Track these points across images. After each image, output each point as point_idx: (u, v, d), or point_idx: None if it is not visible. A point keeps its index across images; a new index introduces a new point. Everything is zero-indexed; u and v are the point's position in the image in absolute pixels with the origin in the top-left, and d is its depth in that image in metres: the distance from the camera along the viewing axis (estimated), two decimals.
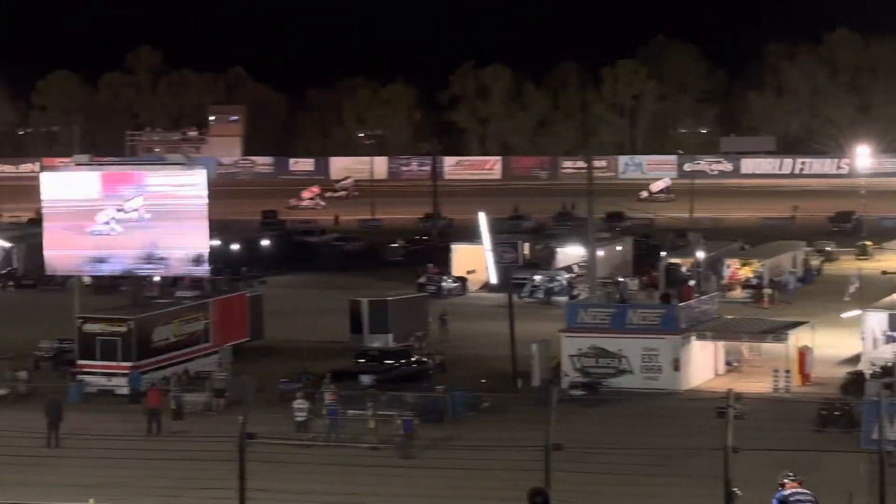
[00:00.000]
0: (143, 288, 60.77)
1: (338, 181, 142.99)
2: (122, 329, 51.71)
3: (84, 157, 62.78)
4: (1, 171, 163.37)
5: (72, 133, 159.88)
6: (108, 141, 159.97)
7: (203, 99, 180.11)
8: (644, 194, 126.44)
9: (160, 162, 67.95)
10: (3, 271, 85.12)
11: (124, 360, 51.15)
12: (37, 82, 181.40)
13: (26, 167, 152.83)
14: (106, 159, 79.59)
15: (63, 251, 57.01)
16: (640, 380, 51.26)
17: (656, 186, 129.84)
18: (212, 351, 55.46)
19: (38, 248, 59.65)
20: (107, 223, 55.53)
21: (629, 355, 51.63)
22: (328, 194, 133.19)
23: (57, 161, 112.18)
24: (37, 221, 72.97)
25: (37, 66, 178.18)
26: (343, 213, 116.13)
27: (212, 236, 57.81)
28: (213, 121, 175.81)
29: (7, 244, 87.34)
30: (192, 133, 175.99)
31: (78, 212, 55.96)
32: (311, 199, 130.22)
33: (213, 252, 58.77)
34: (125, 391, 50.33)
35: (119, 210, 55.44)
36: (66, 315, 56.58)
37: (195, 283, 64.02)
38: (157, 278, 59.89)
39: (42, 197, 57.68)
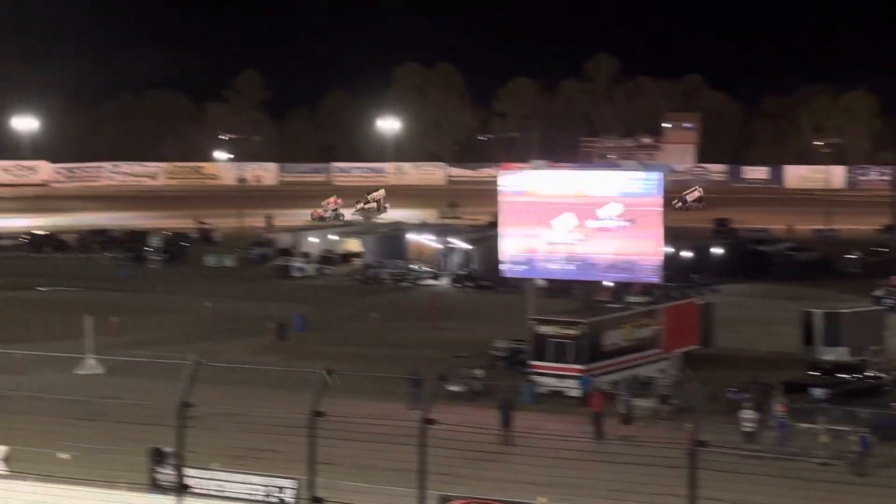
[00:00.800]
0: (594, 292, 61.46)
1: (367, 192, 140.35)
2: (575, 332, 52.43)
3: (542, 163, 64.04)
4: (462, 175, 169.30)
5: (530, 139, 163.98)
6: (564, 147, 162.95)
7: (658, 106, 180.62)
8: (678, 204, 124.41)
9: (616, 168, 68.51)
10: (463, 272, 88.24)
11: (575, 363, 51.79)
12: (498, 90, 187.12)
13: (485, 172, 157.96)
14: (562, 165, 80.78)
15: (518, 254, 58.31)
16: None
17: (691, 196, 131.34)
18: (661, 357, 55.47)
19: (495, 250, 61.36)
20: (570, 230, 56.25)
21: None
22: (359, 206, 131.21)
23: (515, 166, 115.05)
24: (494, 224, 75.11)
25: (499, 75, 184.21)
26: (797, 223, 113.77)
27: (664, 243, 57.82)
28: (667, 128, 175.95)
29: (467, 246, 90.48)
30: (647, 140, 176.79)
31: (537, 215, 57.01)
32: (335, 208, 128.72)
33: (665, 259, 58.78)
34: (576, 393, 50.97)
35: (585, 217, 55.90)
36: (521, 316, 57.95)
37: (645, 288, 64.21)
38: (608, 283, 60.38)
39: (500, 199, 59.04)
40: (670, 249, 69.23)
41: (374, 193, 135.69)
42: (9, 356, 49.52)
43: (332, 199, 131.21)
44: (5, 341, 55.02)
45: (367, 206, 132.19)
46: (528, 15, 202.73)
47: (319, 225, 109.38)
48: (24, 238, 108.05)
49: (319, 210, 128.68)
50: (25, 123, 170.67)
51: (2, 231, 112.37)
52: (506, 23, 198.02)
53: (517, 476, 38.96)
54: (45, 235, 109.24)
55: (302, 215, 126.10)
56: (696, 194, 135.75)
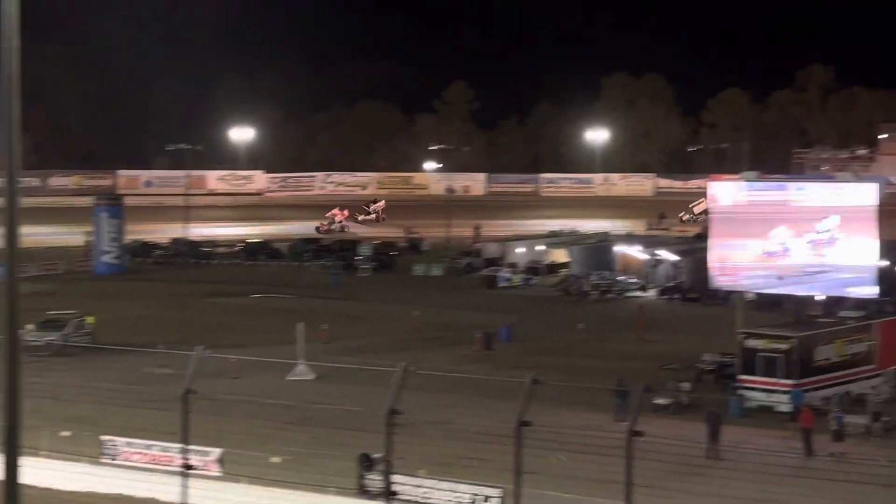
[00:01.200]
0: (805, 306, 60.31)
1: (367, 203, 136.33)
2: (785, 346, 51.51)
3: (753, 174, 63.15)
4: (670, 186, 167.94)
5: (740, 150, 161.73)
6: (776, 159, 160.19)
7: (874, 116, 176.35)
8: (686, 216, 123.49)
9: (830, 180, 67.14)
10: (671, 284, 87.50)
11: (785, 378, 50.87)
12: (708, 101, 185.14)
13: (694, 183, 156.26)
14: (774, 176, 79.62)
15: (728, 266, 57.52)
16: None
17: (699, 208, 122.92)
18: (875, 373, 54.13)
19: (704, 262, 60.71)
20: (783, 242, 55.27)
21: None
22: (361, 217, 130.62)
23: (724, 178, 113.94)
24: (703, 236, 74.28)
25: (709, 85, 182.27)
26: None
27: (880, 256, 56.43)
28: (883, 139, 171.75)
29: (675, 257, 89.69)
30: (861, 151, 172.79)
31: (748, 226, 56.18)
32: (340, 221, 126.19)
33: (881, 273, 57.33)
34: (785, 408, 50.08)
35: (800, 229, 54.83)
36: (729, 329, 57.23)
37: (860, 303, 62.75)
38: (820, 297, 59.18)
39: (710, 210, 58.36)
40: (886, 263, 67.46)
41: (375, 205, 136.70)
42: (223, 361, 50.83)
43: (336, 212, 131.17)
44: (220, 346, 56.51)
45: (367, 218, 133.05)
46: (738, 24, 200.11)
47: (527, 235, 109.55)
48: (240, 246, 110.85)
49: (325, 223, 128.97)
50: (242, 134, 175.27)
51: (218, 239, 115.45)
52: (716, 32, 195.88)
53: (724, 491, 38.53)
54: (260, 244, 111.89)
55: (511, 226, 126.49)
56: (705, 206, 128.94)
